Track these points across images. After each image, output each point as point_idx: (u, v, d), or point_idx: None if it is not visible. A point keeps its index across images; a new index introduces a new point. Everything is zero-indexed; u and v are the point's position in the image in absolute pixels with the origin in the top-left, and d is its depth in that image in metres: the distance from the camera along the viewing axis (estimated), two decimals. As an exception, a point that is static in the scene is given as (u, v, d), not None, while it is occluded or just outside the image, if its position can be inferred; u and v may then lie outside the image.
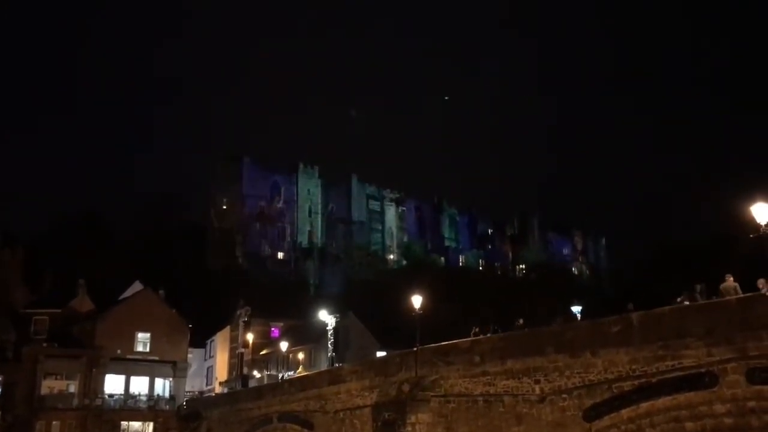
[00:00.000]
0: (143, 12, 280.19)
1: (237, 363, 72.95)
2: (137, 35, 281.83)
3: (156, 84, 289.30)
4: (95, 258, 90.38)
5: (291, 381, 45.66)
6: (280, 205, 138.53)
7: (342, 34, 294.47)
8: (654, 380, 21.10)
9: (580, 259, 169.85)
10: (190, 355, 69.90)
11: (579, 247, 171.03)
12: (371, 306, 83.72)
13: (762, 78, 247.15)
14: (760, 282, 19.89)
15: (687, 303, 22.58)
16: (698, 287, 22.91)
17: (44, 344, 60.07)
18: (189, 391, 69.49)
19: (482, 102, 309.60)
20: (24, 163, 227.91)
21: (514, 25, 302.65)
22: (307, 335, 71.34)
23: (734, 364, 19.13)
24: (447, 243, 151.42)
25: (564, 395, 24.03)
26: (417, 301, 32.20)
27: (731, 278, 22.15)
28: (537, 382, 25.11)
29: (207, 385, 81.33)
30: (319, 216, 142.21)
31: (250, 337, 70.57)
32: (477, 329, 31.91)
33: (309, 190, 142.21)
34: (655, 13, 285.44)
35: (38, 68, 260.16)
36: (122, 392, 60.26)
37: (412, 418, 28.88)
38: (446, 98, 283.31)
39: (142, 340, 62.39)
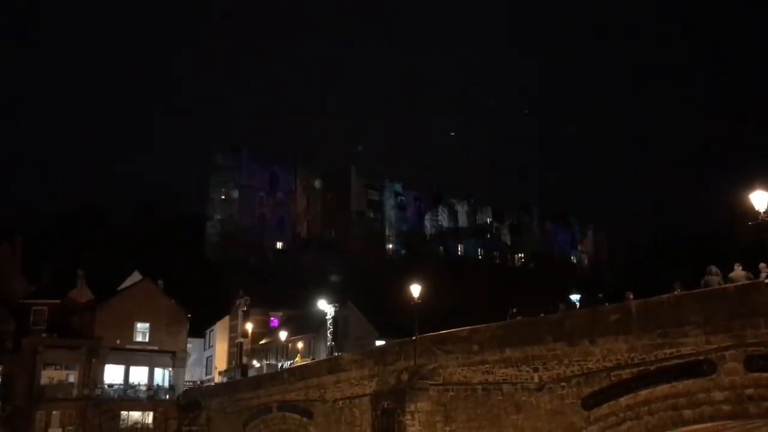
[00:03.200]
0: (144, 11, 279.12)
1: (236, 352, 73.04)
2: (139, 32, 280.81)
3: (156, 79, 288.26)
4: (94, 249, 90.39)
5: (290, 370, 45.74)
6: (279, 195, 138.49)
7: (340, 33, 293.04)
8: (652, 368, 21.14)
9: (579, 249, 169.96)
10: (189, 345, 69.96)
11: (578, 236, 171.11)
12: (370, 295, 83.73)
13: (760, 66, 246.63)
14: (762, 266, 19.91)
15: (679, 291, 22.57)
16: (713, 269, 22.51)
17: (44, 335, 60.17)
18: (188, 381, 69.57)
19: (480, 93, 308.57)
20: (23, 155, 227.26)
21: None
22: (307, 325, 71.45)
23: (732, 352, 19.16)
24: (446, 232, 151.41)
25: (563, 383, 24.08)
26: (416, 290, 32.22)
27: (740, 267, 21.87)
28: (536, 370, 25.15)
29: (206, 374, 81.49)
30: (318, 206, 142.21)
31: (249, 326, 70.59)
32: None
33: (308, 180, 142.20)
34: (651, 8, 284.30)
35: (38, 63, 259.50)
36: (122, 382, 60.39)
37: (411, 407, 28.91)
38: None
39: (142, 330, 62.42)
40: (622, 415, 22.12)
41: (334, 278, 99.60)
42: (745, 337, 18.74)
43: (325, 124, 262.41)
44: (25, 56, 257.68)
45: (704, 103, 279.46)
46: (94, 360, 58.80)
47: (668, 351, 20.64)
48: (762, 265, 19.99)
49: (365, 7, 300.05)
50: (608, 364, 22.50)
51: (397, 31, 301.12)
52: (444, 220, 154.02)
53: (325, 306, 54.97)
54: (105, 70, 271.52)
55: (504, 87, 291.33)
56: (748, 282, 20.03)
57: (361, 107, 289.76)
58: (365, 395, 33.44)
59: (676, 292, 22.28)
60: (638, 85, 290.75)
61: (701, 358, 19.80)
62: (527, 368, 25.46)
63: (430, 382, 29.26)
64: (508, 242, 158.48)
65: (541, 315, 27.20)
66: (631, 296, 24.35)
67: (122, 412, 58.52)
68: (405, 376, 30.11)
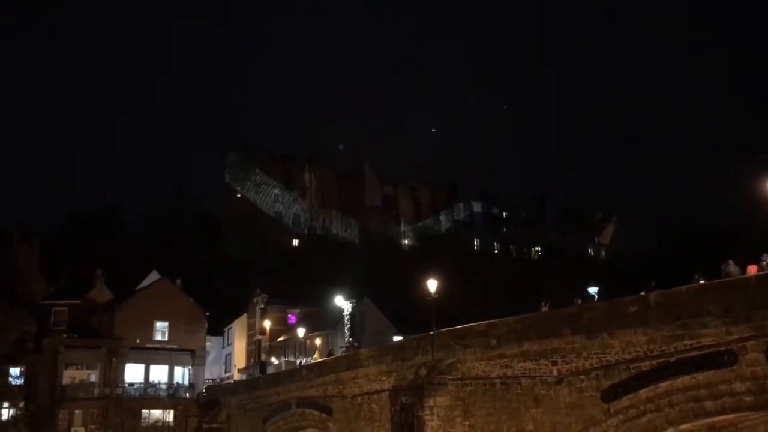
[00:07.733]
0: (157, 5, 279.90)
1: (255, 350, 73.42)
2: (147, 28, 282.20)
3: (167, 76, 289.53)
4: (112, 249, 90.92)
5: (309, 367, 45.88)
6: (294, 192, 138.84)
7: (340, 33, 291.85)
8: (672, 360, 21.05)
9: (597, 241, 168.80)
10: (208, 343, 70.40)
11: (595, 228, 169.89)
12: (386, 291, 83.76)
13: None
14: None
15: (702, 281, 22.47)
16: (730, 263, 22.62)
17: (64, 335, 60.78)
18: (208, 379, 70.07)
19: (493, 86, 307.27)
20: (39, 157, 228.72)
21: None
22: (324, 321, 71.70)
23: (753, 342, 19.04)
24: (461, 226, 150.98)
25: (582, 376, 24.02)
26: (432, 285, 32.18)
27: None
28: (554, 363, 25.11)
29: (226, 372, 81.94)
30: (333, 202, 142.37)
31: (267, 324, 70.92)
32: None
33: (322, 176, 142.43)
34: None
35: (49, 62, 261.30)
36: (142, 381, 60.92)
37: (430, 402, 28.93)
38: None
39: (161, 329, 62.84)
40: (642, 407, 22.04)
41: (349, 274, 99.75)
42: (766, 328, 18.60)
43: (335, 122, 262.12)
44: (45, 60, 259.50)
45: (723, 93, 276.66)
46: (114, 359, 59.33)
47: (688, 342, 20.54)
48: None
49: (368, 7, 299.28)
50: (627, 357, 22.42)
51: (397, 30, 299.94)
52: (459, 214, 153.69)
53: (342, 302, 55.11)
54: (110, 70, 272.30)
55: (514, 84, 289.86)
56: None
57: (370, 105, 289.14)
58: (384, 391, 33.51)
59: (701, 282, 22.22)
60: (653, 77, 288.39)
61: (722, 348, 19.69)
62: (546, 362, 25.41)
63: (449, 377, 29.26)
64: (525, 236, 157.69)
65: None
66: (652, 286, 24.22)
67: (143, 410, 59.06)
68: (423, 371, 30.11)
